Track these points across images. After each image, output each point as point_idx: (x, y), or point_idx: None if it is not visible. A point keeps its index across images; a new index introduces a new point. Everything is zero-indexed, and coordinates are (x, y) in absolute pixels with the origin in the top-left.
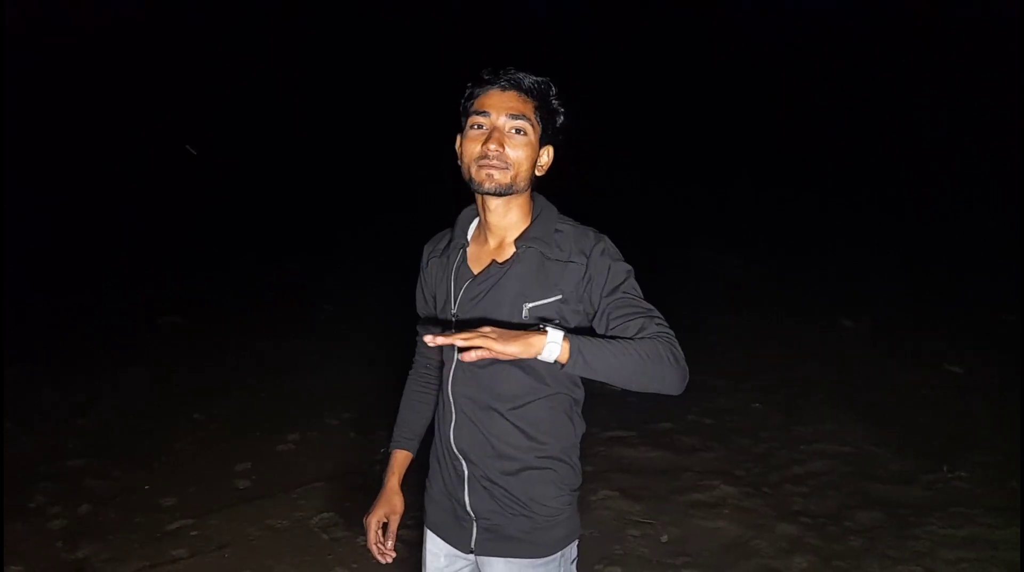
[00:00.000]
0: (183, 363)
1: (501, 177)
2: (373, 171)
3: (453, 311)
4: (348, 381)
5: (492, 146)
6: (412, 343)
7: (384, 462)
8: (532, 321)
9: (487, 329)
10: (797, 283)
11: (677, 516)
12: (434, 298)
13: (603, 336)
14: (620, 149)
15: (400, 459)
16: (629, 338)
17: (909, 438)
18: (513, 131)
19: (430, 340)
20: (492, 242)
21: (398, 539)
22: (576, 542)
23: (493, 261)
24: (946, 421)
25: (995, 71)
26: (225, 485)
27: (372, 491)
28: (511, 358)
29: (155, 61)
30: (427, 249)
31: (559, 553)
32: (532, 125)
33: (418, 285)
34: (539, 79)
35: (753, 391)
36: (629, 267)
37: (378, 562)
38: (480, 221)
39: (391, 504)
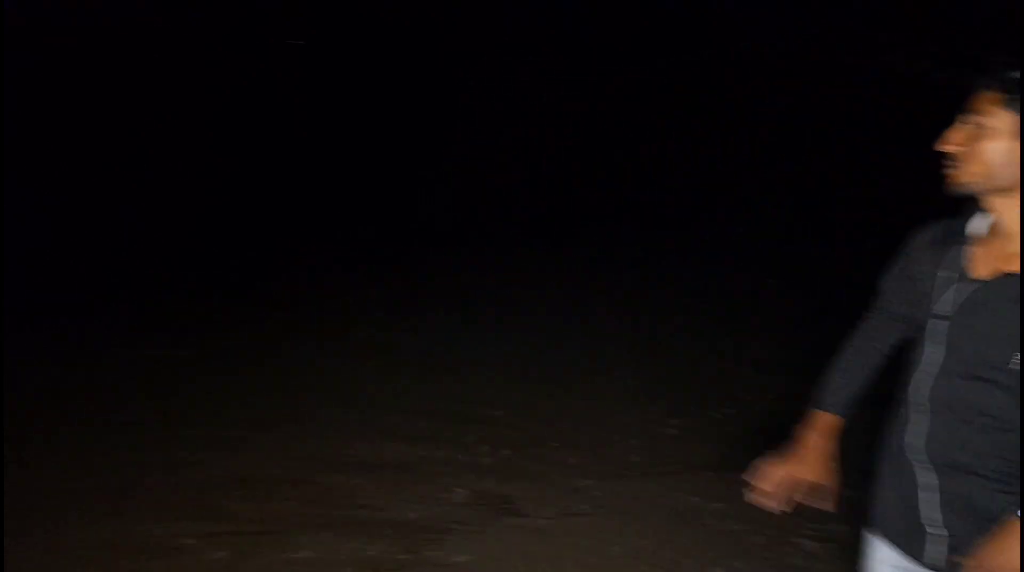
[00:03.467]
0: None
1: (954, 177)
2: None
3: (941, 311)
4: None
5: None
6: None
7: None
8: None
9: None
10: None
11: None
12: (912, 284)
13: None
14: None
15: (824, 420)
16: None
17: None
18: (973, 127)
19: None
20: (1002, 245)
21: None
22: None
23: (1003, 272)
24: None
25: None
26: (619, 456)
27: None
28: None
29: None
30: (918, 234)
31: None
32: (994, 116)
33: (897, 266)
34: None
35: None
36: None
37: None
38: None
39: (810, 465)
